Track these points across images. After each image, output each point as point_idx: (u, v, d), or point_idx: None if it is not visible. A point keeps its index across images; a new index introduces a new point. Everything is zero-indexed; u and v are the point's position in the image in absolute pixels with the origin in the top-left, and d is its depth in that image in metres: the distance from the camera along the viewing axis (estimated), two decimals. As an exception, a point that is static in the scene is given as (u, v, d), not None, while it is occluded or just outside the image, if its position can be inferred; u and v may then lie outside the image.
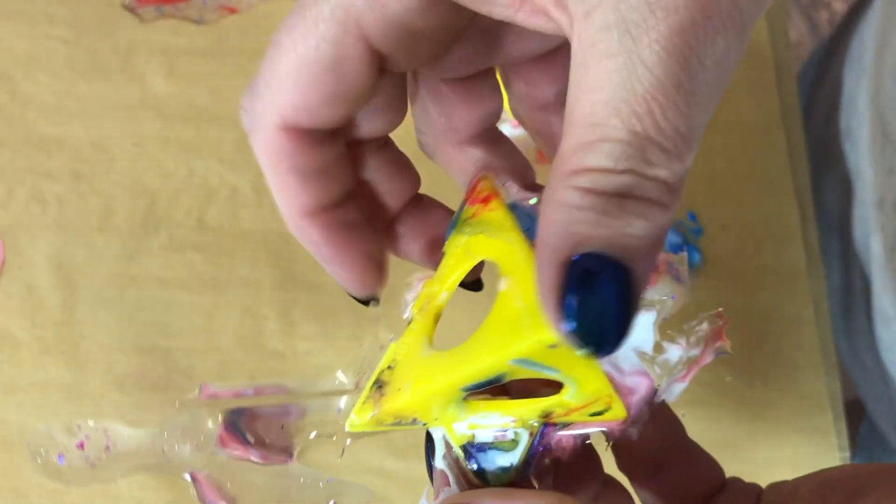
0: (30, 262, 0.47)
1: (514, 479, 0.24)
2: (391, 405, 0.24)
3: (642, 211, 0.19)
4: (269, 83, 0.22)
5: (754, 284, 0.51)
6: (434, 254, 0.27)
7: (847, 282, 0.56)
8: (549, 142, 0.27)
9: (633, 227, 0.19)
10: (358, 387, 0.27)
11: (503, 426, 0.24)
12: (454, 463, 0.25)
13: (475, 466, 0.25)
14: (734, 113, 0.54)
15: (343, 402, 0.28)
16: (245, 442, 0.43)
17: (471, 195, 0.26)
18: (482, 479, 0.25)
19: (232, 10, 0.52)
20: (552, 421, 0.24)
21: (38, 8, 0.51)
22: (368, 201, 0.27)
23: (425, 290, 0.26)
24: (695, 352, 0.25)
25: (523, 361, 0.22)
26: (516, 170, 0.27)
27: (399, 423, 0.25)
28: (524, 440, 0.24)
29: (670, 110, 0.19)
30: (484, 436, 0.24)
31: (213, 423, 0.31)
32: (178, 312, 0.46)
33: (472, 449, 0.24)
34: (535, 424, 0.24)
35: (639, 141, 0.19)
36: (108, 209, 0.48)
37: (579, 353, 0.19)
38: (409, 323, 0.26)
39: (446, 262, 0.25)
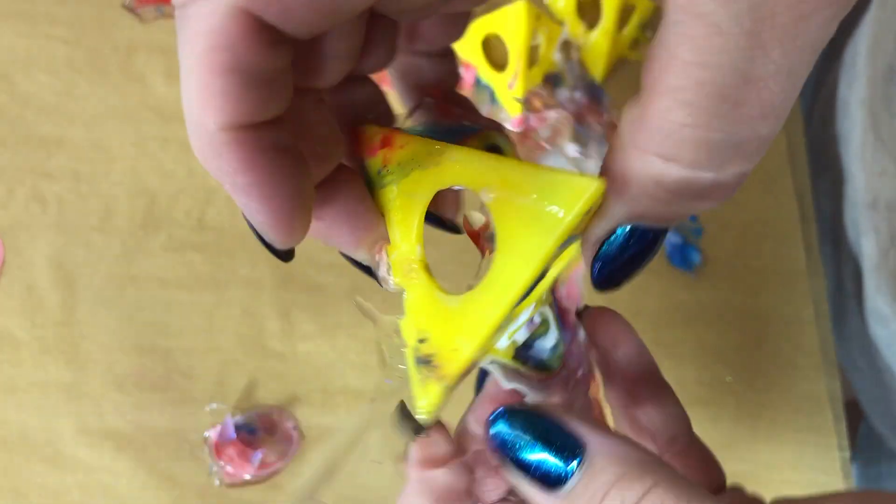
0: (30, 262, 0.47)
1: (565, 351, 0.25)
2: (455, 368, 0.23)
3: (704, 203, 0.20)
4: None
5: (754, 284, 0.51)
6: (352, 225, 0.24)
7: (839, 284, 0.56)
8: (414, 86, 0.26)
9: (687, 213, 0.21)
10: (399, 378, 0.25)
11: (528, 318, 0.24)
12: (515, 374, 0.25)
13: (533, 363, 0.25)
14: (734, 113, 0.54)
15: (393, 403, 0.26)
16: (248, 445, 0.44)
17: (363, 149, 0.25)
18: (543, 368, 0.25)
19: (232, 10, 0.52)
20: (556, 285, 0.25)
21: (38, 8, 0.51)
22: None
23: (393, 256, 0.24)
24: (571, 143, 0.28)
25: (565, 242, 0.22)
26: (442, 76, 0.26)
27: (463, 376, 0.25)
28: (550, 315, 0.24)
29: (779, 106, 0.18)
30: (521, 336, 0.24)
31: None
32: (178, 312, 0.46)
33: (523, 352, 0.24)
34: (546, 297, 0.25)
35: (730, 142, 0.18)
36: (107, 209, 0.48)
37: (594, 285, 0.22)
38: (403, 293, 0.24)
39: (392, 219, 0.24)
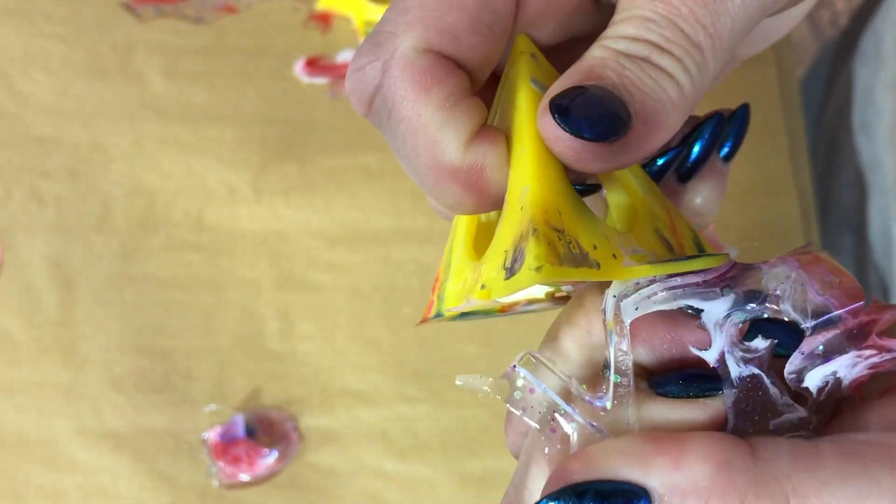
0: (28, 263, 0.46)
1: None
2: (531, 209, 0.20)
3: (655, 76, 0.21)
4: (406, 10, 0.21)
5: (756, 285, 0.51)
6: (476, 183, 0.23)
7: (862, 277, 0.56)
8: None
9: (644, 84, 0.21)
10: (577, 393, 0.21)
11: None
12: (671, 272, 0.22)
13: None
14: (735, 112, 0.54)
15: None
16: (249, 444, 0.43)
17: None
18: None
19: (230, 10, 0.52)
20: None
21: (35, 6, 0.51)
22: None
23: (463, 286, 0.23)
24: None
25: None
26: None
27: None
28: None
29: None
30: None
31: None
32: (176, 313, 0.46)
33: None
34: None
35: (661, 20, 0.21)
36: (106, 209, 0.48)
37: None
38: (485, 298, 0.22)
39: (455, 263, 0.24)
